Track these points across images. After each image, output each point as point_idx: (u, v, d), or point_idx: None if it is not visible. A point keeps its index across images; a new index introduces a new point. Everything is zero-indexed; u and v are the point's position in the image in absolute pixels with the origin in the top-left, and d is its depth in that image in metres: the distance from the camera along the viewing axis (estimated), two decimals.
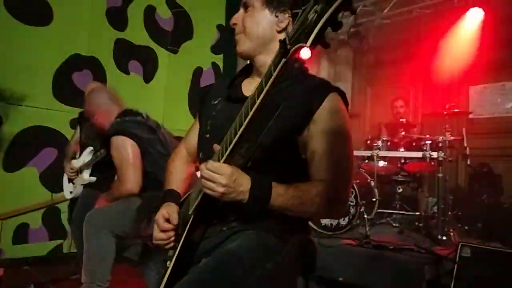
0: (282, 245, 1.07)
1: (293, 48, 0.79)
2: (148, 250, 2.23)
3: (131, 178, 2.01)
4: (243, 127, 0.91)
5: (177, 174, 1.34)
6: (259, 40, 1.17)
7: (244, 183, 0.97)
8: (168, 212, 1.17)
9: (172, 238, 1.16)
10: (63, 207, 3.70)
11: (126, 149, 2.04)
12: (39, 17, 3.98)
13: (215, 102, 1.27)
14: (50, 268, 3.52)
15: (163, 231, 1.16)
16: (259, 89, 0.88)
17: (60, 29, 4.11)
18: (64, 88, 4.12)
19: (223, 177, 0.94)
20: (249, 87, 1.20)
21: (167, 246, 1.17)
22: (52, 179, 3.80)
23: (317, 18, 0.75)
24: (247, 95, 1.07)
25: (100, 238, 1.86)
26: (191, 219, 1.09)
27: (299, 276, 1.20)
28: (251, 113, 0.89)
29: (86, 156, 2.90)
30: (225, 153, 0.97)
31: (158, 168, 2.08)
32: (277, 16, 1.16)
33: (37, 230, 3.95)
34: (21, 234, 3.86)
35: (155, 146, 2.14)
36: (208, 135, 1.22)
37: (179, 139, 4.55)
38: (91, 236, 1.86)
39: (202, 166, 0.98)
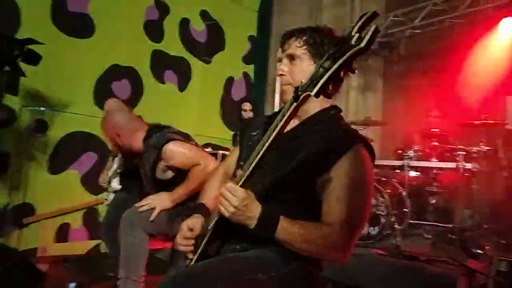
0: (282, 265, 1.13)
1: (302, 96, 0.94)
2: (176, 253, 2.33)
3: (207, 159, 2.13)
4: (259, 155, 1.02)
5: (211, 191, 1.45)
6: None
7: (254, 210, 1.05)
8: (193, 223, 1.28)
9: (191, 247, 1.26)
10: (101, 208, 3.88)
11: (183, 146, 2.14)
12: (82, 30, 4.25)
13: (254, 133, 1.39)
14: (89, 266, 3.69)
15: (185, 238, 1.27)
16: (275, 125, 1.01)
17: (101, 41, 4.37)
18: (104, 96, 4.33)
19: (236, 199, 1.03)
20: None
21: (184, 251, 1.27)
22: (92, 181, 4.01)
23: (323, 73, 0.89)
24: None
25: (134, 235, 1.96)
26: (209, 233, 1.19)
27: None
28: (266, 144, 1.01)
29: (115, 164, 3.09)
30: (243, 177, 1.07)
31: None
32: None
33: (78, 230, 4.16)
34: (63, 233, 4.08)
35: None
36: (242, 163, 1.32)
37: (210, 145, 4.69)
38: (127, 234, 1.97)
39: (223, 185, 1.08)
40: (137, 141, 2.19)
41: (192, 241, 1.26)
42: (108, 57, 4.47)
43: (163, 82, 4.97)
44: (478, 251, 2.74)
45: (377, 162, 3.89)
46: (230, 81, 5.69)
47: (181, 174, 2.19)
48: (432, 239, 3.27)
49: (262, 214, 1.05)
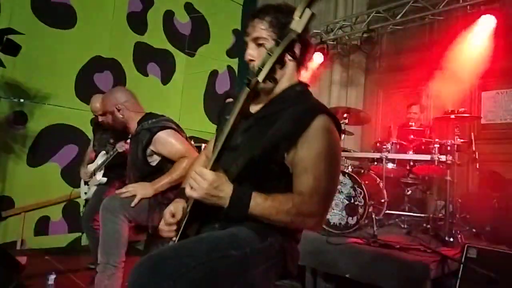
0: (257, 241, 1.17)
1: (252, 81, 1.02)
2: (151, 240, 2.35)
3: (193, 154, 2.18)
4: (223, 139, 1.09)
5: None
6: (275, 72, 1.28)
7: (226, 190, 1.10)
8: (175, 208, 1.32)
9: (173, 231, 1.29)
10: (82, 202, 3.85)
11: (175, 136, 2.21)
12: (63, 20, 4.20)
13: (227, 117, 1.41)
14: (69, 258, 3.67)
15: (168, 224, 1.30)
16: (233, 110, 1.10)
17: (83, 32, 4.33)
18: (86, 88, 4.33)
19: (205, 182, 1.07)
20: (256, 104, 1.34)
21: (168, 236, 1.31)
22: (72, 174, 3.99)
23: (267, 59, 0.97)
24: (253, 112, 1.30)
25: (115, 222, 1.99)
26: (187, 215, 1.23)
27: (277, 276, 1.26)
28: (227, 129, 1.09)
29: (100, 158, 3.10)
30: (211, 160, 1.12)
31: None
32: None
33: (58, 223, 4.14)
34: (43, 227, 4.05)
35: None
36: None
37: (193, 138, 4.70)
38: (107, 220, 1.99)
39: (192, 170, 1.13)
40: (133, 121, 2.30)
41: (175, 226, 1.30)
42: (91, 49, 4.43)
43: (146, 75, 4.96)
44: (451, 239, 2.84)
45: (356, 154, 3.99)
46: (214, 74, 5.70)
47: (166, 163, 2.23)
48: (407, 228, 3.37)
49: (234, 193, 1.10)
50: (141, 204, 2.09)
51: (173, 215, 1.30)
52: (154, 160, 2.27)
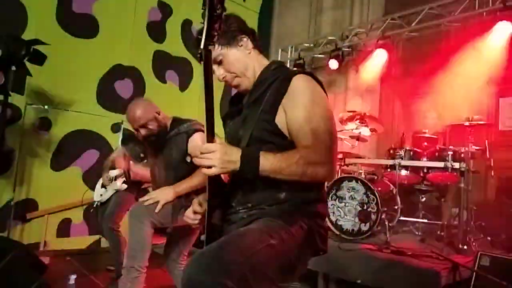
0: (289, 227, 1.24)
1: (202, 54, 1.11)
2: (170, 242, 2.44)
3: None
4: (205, 112, 1.15)
5: None
6: (248, 69, 1.41)
7: (234, 153, 1.15)
8: (202, 198, 1.41)
9: (198, 220, 1.40)
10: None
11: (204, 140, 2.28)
12: (86, 30, 4.38)
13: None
14: (89, 260, 3.80)
15: (194, 212, 1.40)
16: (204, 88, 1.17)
17: (104, 41, 4.49)
18: (107, 95, 4.48)
19: (214, 153, 1.13)
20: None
21: (193, 223, 1.41)
22: (93, 178, 4.10)
23: (202, 28, 1.08)
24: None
25: (141, 228, 2.09)
26: (207, 205, 1.30)
27: (311, 255, 1.36)
28: (204, 102, 1.16)
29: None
30: (204, 137, 1.18)
31: None
32: (241, 45, 1.41)
33: (79, 225, 4.28)
34: (64, 229, 4.20)
35: None
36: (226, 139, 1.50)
37: None
38: (134, 226, 2.10)
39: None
40: (168, 124, 2.43)
41: (200, 216, 1.40)
42: (112, 57, 4.59)
43: (165, 82, 5.09)
44: (465, 247, 2.83)
45: (370, 161, 4.01)
46: None
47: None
48: (421, 236, 3.36)
49: (243, 154, 1.16)
50: (165, 208, 2.19)
51: (200, 205, 1.40)
52: (187, 161, 2.36)
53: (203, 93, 1.13)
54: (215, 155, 1.12)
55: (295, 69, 1.48)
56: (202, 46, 1.08)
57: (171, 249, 2.42)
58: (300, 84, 1.31)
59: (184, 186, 2.25)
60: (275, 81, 1.35)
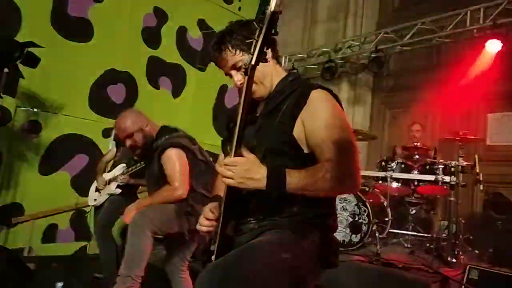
0: (301, 241, 1.24)
1: (248, 68, 1.10)
2: (170, 250, 2.42)
3: (182, 185, 2.27)
4: (239, 124, 1.14)
5: (220, 181, 1.49)
6: (265, 78, 1.38)
7: (259, 171, 1.14)
8: (213, 205, 1.38)
9: (212, 228, 1.34)
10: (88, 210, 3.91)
11: (179, 159, 2.30)
12: (81, 34, 4.34)
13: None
14: (75, 266, 3.72)
15: (207, 219, 1.35)
16: (241, 101, 1.16)
17: (99, 45, 4.46)
18: (99, 99, 4.44)
19: (236, 168, 1.13)
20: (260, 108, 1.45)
21: (208, 232, 1.35)
22: (81, 183, 4.06)
23: (256, 43, 1.08)
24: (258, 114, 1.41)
25: (142, 237, 2.08)
26: (221, 216, 1.27)
27: (322, 269, 1.34)
28: (239, 117, 1.14)
29: (118, 170, 3.19)
30: (232, 149, 1.16)
31: (200, 172, 2.39)
32: None
33: (65, 231, 4.20)
34: (50, 234, 4.11)
35: (197, 154, 2.43)
36: (228, 147, 1.44)
37: None
38: (135, 234, 2.08)
39: (217, 165, 1.19)
40: (147, 140, 2.42)
41: (214, 222, 1.34)
42: (105, 62, 4.55)
43: (158, 88, 5.07)
44: (454, 260, 2.86)
45: (362, 172, 4.03)
46: (223, 88, 5.80)
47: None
48: (411, 248, 3.38)
49: (270, 172, 1.14)
50: (168, 215, 2.21)
51: (212, 212, 1.36)
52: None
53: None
54: (236, 169, 1.12)
55: (310, 83, 1.47)
56: (253, 62, 1.09)
57: (172, 257, 2.40)
58: (319, 98, 1.31)
59: (144, 203, 2.29)
60: (292, 93, 1.35)
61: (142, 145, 2.42)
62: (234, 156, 1.15)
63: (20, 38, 3.56)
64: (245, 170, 1.12)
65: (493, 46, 3.97)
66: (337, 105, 1.34)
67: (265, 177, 1.13)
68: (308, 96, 1.30)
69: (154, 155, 2.37)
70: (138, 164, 2.94)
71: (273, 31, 1.08)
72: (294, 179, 1.15)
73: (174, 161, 2.29)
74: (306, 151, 1.29)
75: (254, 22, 1.34)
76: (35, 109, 3.94)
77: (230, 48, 1.35)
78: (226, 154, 1.50)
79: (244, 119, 1.14)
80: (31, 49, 3.22)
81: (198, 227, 1.37)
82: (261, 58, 1.09)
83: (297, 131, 1.29)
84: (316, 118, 1.26)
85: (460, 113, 4.55)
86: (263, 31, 1.06)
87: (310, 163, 1.24)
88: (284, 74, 1.46)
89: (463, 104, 4.51)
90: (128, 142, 2.39)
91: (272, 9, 1.05)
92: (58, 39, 4.15)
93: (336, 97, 1.36)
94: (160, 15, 5.08)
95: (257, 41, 1.08)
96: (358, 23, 5.64)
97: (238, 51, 1.35)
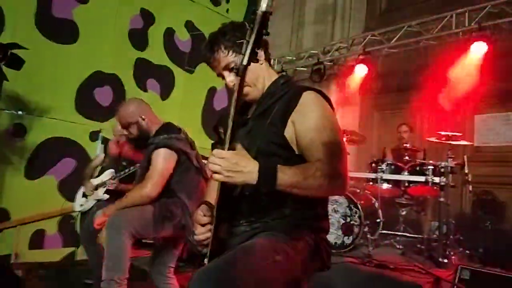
0: (294, 243, 1.23)
1: (240, 68, 1.10)
2: (155, 255, 2.37)
3: (155, 184, 2.19)
4: (229, 124, 1.13)
5: (212, 191, 1.47)
6: (258, 80, 1.39)
7: (249, 165, 1.11)
8: (202, 208, 1.35)
9: (209, 233, 1.29)
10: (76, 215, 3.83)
11: (165, 160, 2.24)
12: (66, 36, 4.26)
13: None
14: (63, 273, 3.64)
15: (203, 225, 1.32)
16: (232, 100, 1.15)
17: (85, 47, 4.38)
18: (86, 102, 4.36)
19: (223, 161, 1.09)
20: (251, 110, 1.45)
21: (205, 238, 1.30)
22: (69, 188, 3.97)
23: (247, 44, 1.08)
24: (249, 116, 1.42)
25: (120, 239, 2.01)
26: (214, 219, 1.26)
27: (315, 271, 1.34)
28: (231, 115, 1.13)
29: (106, 176, 3.13)
30: (226, 143, 1.15)
31: (188, 179, 2.34)
32: None
33: (52, 237, 4.10)
34: (37, 240, 4.01)
35: (193, 160, 2.36)
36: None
37: None
38: (112, 237, 2.01)
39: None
40: (153, 131, 2.38)
41: (210, 226, 1.30)
42: (92, 64, 4.47)
43: (146, 90, 5.00)
44: (445, 260, 2.89)
45: (352, 174, 4.04)
46: (212, 91, 5.77)
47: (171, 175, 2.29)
48: (402, 249, 3.40)
49: (261, 167, 1.12)
50: (145, 219, 2.14)
51: (205, 215, 1.33)
52: None
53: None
54: (222, 162, 1.09)
55: (302, 85, 1.46)
56: (245, 62, 1.08)
57: (156, 262, 2.35)
58: (310, 99, 1.31)
59: (112, 208, 2.20)
60: (284, 95, 1.35)
61: (135, 137, 2.39)
62: (229, 145, 1.14)
63: (3, 39, 3.47)
64: (233, 163, 1.09)
65: (479, 48, 4.03)
66: (328, 106, 1.35)
67: (256, 171, 1.11)
68: (299, 97, 1.30)
69: (146, 151, 2.32)
70: (127, 170, 2.90)
71: (264, 32, 1.07)
72: (286, 175, 1.13)
73: (160, 161, 2.23)
74: (297, 152, 1.30)
75: (246, 23, 1.36)
76: (20, 112, 3.85)
77: (223, 48, 1.36)
78: None
79: (236, 120, 1.13)
80: (15, 51, 3.15)
81: (195, 237, 1.34)
82: (253, 58, 1.09)
83: (288, 132, 1.29)
84: (306, 120, 1.27)
85: (447, 115, 4.61)
86: (255, 31, 1.06)
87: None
88: (276, 76, 1.46)
89: (450, 106, 4.58)
90: (125, 132, 2.41)
91: (264, 9, 1.04)
92: (43, 40, 4.06)
93: (327, 98, 1.37)
94: (147, 17, 5.01)
95: (248, 41, 1.08)
96: (345, 25, 5.68)
97: (230, 52, 1.35)
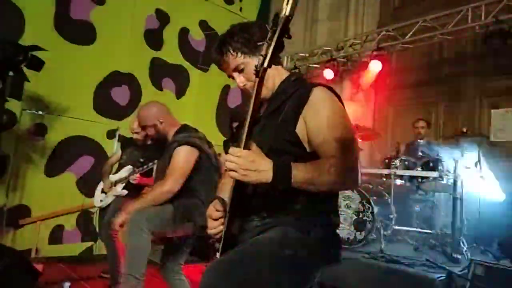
0: (304, 237, 1.26)
1: (260, 70, 1.12)
2: (167, 253, 2.43)
3: (175, 180, 2.26)
4: (248, 121, 1.15)
5: (226, 187, 1.48)
6: (268, 79, 1.37)
7: (264, 163, 1.13)
8: (214, 204, 1.38)
9: (222, 227, 1.32)
10: (94, 210, 3.93)
11: (187, 157, 2.30)
12: (84, 37, 4.38)
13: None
14: (82, 267, 3.76)
15: (215, 219, 1.35)
16: (251, 101, 1.17)
17: (102, 48, 4.50)
18: (103, 101, 4.48)
19: (240, 159, 1.11)
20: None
21: (218, 232, 1.33)
22: (87, 184, 4.10)
23: (268, 46, 1.09)
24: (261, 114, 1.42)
25: (141, 235, 2.08)
26: (227, 214, 1.29)
27: (324, 265, 1.35)
28: (250, 111, 1.16)
29: (124, 172, 3.24)
30: (242, 142, 1.16)
31: (208, 178, 2.39)
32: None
33: (71, 232, 4.24)
34: (57, 235, 4.15)
35: (211, 159, 2.42)
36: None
37: None
38: (134, 233, 2.08)
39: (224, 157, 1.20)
40: (171, 132, 2.45)
41: (223, 220, 1.33)
42: (109, 64, 4.59)
43: (161, 89, 5.10)
44: (458, 256, 2.86)
45: (365, 170, 4.04)
46: (226, 89, 5.83)
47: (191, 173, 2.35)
48: (415, 244, 3.39)
49: (275, 165, 1.14)
50: (165, 219, 2.20)
51: (218, 210, 1.36)
52: None
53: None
54: (239, 160, 1.11)
55: (312, 82, 1.47)
56: (266, 65, 1.10)
57: (168, 259, 2.41)
58: (320, 95, 1.32)
59: (134, 207, 2.23)
60: (295, 93, 1.36)
61: (153, 139, 2.51)
62: (245, 143, 1.16)
63: (23, 42, 3.61)
64: (250, 161, 1.11)
65: (495, 41, 3.94)
66: (338, 102, 1.35)
67: (271, 169, 1.13)
68: (309, 94, 1.31)
69: (168, 150, 2.37)
70: (146, 166, 2.98)
71: (286, 35, 1.09)
72: (300, 172, 1.15)
73: (181, 157, 2.29)
74: (308, 149, 1.31)
75: (258, 28, 1.38)
76: (41, 112, 3.98)
77: (232, 51, 1.37)
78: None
79: (254, 119, 1.16)
80: (35, 53, 3.27)
81: (209, 231, 1.37)
82: (274, 61, 1.11)
83: (300, 130, 1.30)
84: (318, 117, 1.28)
85: (463, 110, 4.55)
86: (277, 34, 1.07)
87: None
88: (286, 74, 1.46)
89: (466, 101, 4.52)
90: (143, 133, 2.58)
91: (287, 13, 1.05)
92: (61, 42, 4.19)
93: (336, 94, 1.38)
94: (162, 17, 5.11)
95: (270, 44, 1.09)
96: (359, 21, 5.64)
97: (239, 54, 1.36)
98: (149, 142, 3.37)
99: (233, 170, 1.11)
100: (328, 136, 1.25)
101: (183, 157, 2.30)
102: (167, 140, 2.46)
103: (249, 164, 1.11)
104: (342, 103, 1.38)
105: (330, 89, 1.37)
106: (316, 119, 1.28)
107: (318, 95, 1.31)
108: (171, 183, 2.24)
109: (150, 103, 2.55)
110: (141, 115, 2.46)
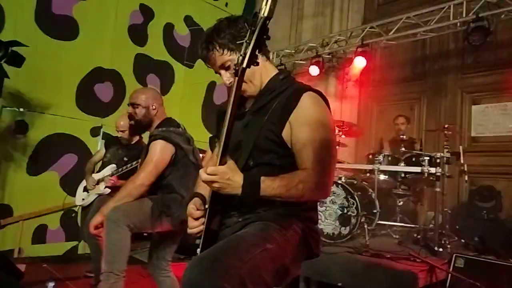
0: (284, 232, 1.28)
1: (239, 70, 1.10)
2: (153, 251, 2.42)
3: (148, 173, 2.23)
4: (225, 132, 1.15)
5: (203, 183, 1.47)
6: (255, 76, 1.38)
7: (237, 180, 1.18)
8: (195, 202, 1.39)
9: (202, 226, 1.33)
10: (78, 209, 3.88)
11: (162, 152, 2.28)
12: (66, 32, 4.29)
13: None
14: (66, 266, 3.71)
15: (196, 219, 1.35)
16: (229, 102, 1.15)
17: (85, 43, 4.41)
18: (86, 98, 4.41)
19: (218, 177, 1.16)
20: (249, 104, 1.45)
21: (198, 231, 1.33)
22: (71, 183, 4.02)
23: (247, 46, 1.08)
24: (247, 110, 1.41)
25: (119, 231, 2.04)
26: (207, 211, 1.30)
27: (304, 259, 1.39)
28: (226, 122, 1.15)
29: (107, 170, 3.19)
30: (219, 155, 1.19)
31: (185, 174, 2.35)
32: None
33: (55, 231, 4.17)
34: (40, 235, 4.08)
35: (189, 155, 2.39)
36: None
37: None
38: (111, 230, 2.05)
39: (201, 171, 1.20)
40: (155, 124, 2.43)
41: (203, 219, 1.33)
42: (92, 60, 4.51)
43: (146, 86, 5.03)
44: (441, 249, 2.93)
45: (349, 166, 4.09)
46: (212, 85, 5.80)
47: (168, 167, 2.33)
48: (399, 239, 3.45)
49: (245, 181, 1.18)
50: (144, 213, 2.17)
51: (198, 209, 1.36)
52: None
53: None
54: (215, 178, 1.16)
55: (301, 83, 1.46)
56: (245, 65, 1.09)
57: (154, 256, 2.40)
58: (310, 102, 1.32)
59: (110, 204, 2.18)
60: (283, 92, 1.36)
61: (137, 120, 2.43)
62: (221, 158, 1.18)
63: (3, 37, 3.51)
64: (227, 178, 1.16)
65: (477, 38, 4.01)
66: (326, 110, 1.36)
67: (241, 185, 1.17)
68: (298, 99, 1.31)
69: (147, 144, 2.36)
70: (129, 165, 2.95)
71: (265, 36, 1.08)
72: (268, 188, 1.20)
73: (155, 151, 2.27)
74: (293, 150, 1.32)
75: (245, 23, 1.35)
76: (21, 109, 3.90)
77: (218, 48, 1.35)
78: (214, 150, 1.51)
79: (232, 121, 1.15)
80: (15, 48, 3.19)
81: (189, 230, 1.37)
82: (253, 61, 1.10)
83: (285, 133, 1.31)
84: (302, 124, 1.28)
85: (444, 106, 4.63)
86: (255, 35, 1.06)
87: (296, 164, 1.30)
88: (274, 71, 1.45)
89: (447, 97, 4.60)
90: (130, 109, 2.44)
91: (266, 14, 1.04)
92: (43, 37, 4.10)
93: (325, 100, 1.38)
94: (146, 12, 5.04)
95: (248, 43, 1.08)
96: (344, 18, 5.68)
97: (226, 51, 1.35)
98: (133, 142, 3.35)
99: (209, 182, 1.17)
100: (307, 144, 1.27)
101: (157, 151, 2.28)
102: (148, 128, 2.45)
103: (226, 180, 1.17)
104: (329, 107, 1.39)
105: (321, 94, 1.37)
106: (300, 126, 1.29)
107: (307, 103, 1.31)
108: (144, 176, 2.22)
109: (150, 87, 2.57)
110: (139, 93, 2.44)
